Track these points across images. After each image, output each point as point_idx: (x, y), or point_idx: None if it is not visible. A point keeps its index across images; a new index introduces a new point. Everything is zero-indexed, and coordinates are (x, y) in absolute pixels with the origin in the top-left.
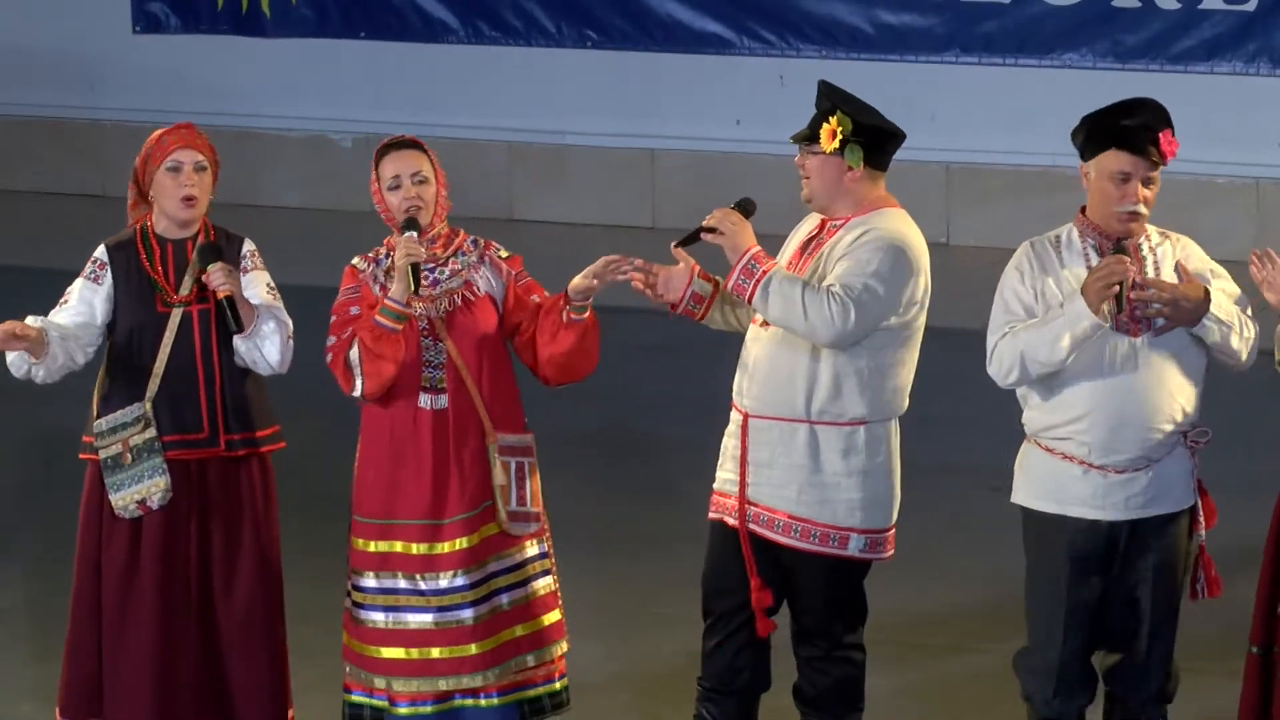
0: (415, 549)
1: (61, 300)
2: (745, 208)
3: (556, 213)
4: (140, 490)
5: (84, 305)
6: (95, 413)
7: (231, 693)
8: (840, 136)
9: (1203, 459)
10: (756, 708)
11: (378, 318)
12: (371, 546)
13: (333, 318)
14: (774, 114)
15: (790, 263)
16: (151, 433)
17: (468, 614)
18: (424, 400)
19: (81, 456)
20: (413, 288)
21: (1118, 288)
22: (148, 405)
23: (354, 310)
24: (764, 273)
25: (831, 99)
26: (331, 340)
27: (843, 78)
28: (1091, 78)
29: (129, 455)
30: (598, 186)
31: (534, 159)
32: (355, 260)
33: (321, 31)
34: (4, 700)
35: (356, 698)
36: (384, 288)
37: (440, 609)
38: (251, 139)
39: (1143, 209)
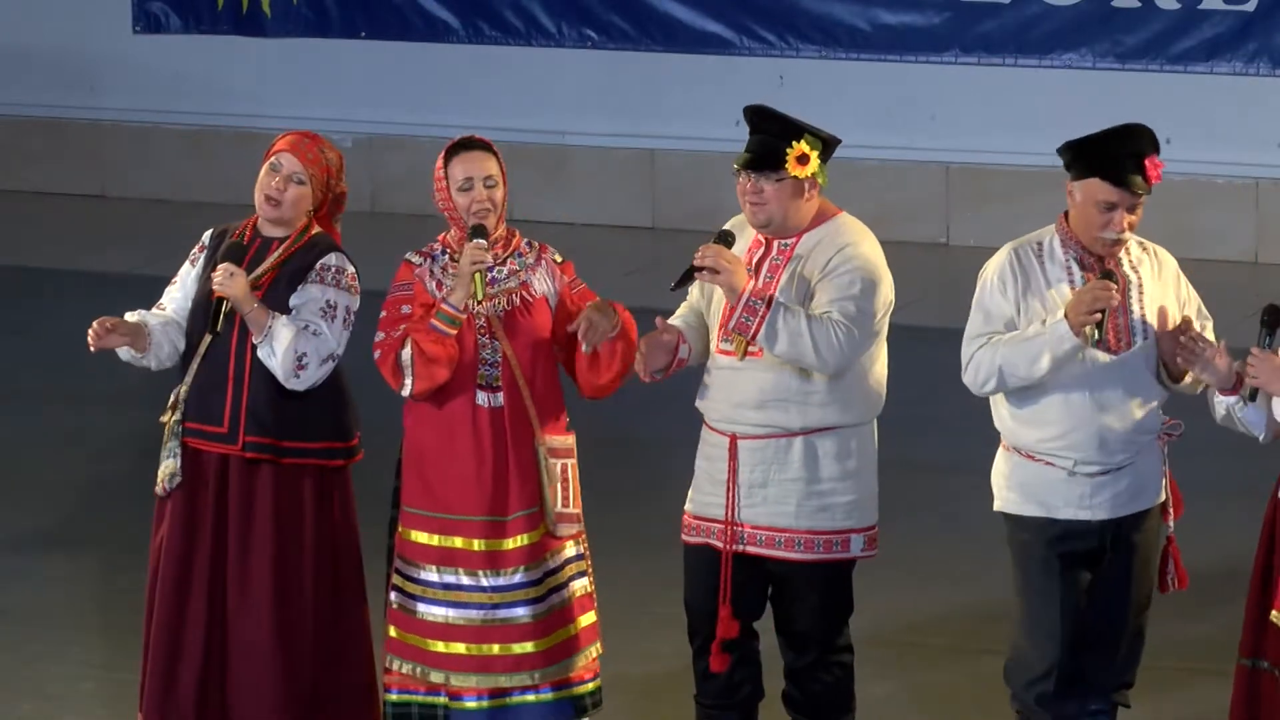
0: (477, 545)
1: (171, 281)
2: (727, 240)
3: (556, 213)
4: (162, 470)
5: (186, 286)
6: None
7: (230, 702)
8: (815, 159)
9: (1174, 452)
10: (756, 714)
11: (434, 322)
12: (435, 540)
13: (383, 313)
14: None
15: None
16: (177, 415)
17: (523, 611)
18: (481, 398)
19: None
20: (478, 295)
21: (1100, 315)
22: (183, 388)
23: (405, 309)
24: (767, 309)
25: (781, 123)
26: (380, 336)
27: (843, 78)
28: (1091, 78)
29: (166, 434)
30: (598, 186)
31: (534, 159)
32: (410, 255)
33: (321, 31)
34: (4, 700)
35: (396, 696)
36: (440, 285)
37: (495, 606)
38: (251, 139)
39: (1126, 237)
